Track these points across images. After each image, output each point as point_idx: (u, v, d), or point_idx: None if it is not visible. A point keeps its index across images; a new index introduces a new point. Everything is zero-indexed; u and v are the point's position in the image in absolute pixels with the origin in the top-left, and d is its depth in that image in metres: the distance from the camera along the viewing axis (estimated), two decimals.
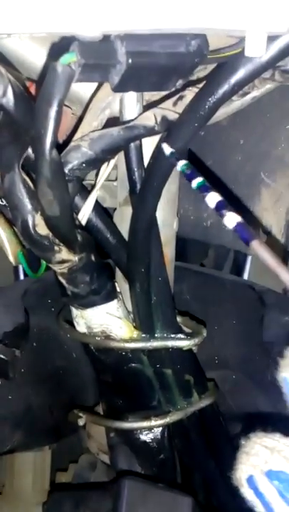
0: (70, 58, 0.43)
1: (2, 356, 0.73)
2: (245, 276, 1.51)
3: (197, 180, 0.50)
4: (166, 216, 0.71)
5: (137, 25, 0.40)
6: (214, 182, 0.85)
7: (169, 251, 0.73)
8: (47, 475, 1.03)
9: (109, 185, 0.75)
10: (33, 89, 0.61)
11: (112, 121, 0.58)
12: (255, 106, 0.68)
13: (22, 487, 1.01)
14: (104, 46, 0.45)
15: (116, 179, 0.72)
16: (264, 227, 0.81)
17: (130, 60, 0.45)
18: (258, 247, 0.42)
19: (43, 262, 0.71)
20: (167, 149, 0.54)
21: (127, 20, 0.40)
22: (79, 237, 0.59)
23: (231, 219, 0.46)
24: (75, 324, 0.71)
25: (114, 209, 0.73)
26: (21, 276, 1.13)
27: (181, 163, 0.52)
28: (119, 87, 0.47)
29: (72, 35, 0.44)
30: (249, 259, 1.52)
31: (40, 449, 1.02)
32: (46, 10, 0.39)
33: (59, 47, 0.53)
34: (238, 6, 0.41)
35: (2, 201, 0.65)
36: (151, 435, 0.77)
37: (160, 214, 0.68)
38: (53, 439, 0.91)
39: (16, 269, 1.08)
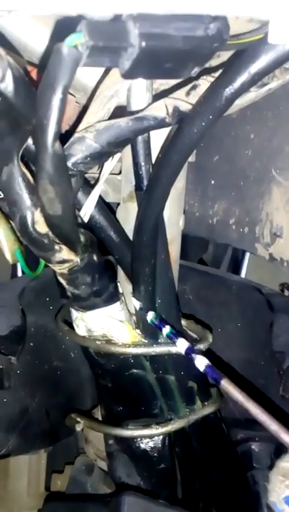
0: (76, 39, 0.39)
1: None
2: (243, 271, 1.50)
3: (166, 330, 0.60)
4: (172, 213, 0.68)
5: (151, 7, 0.36)
6: (221, 179, 0.83)
7: (174, 250, 0.70)
8: (42, 478, 1.00)
9: (112, 179, 0.72)
10: (34, 75, 0.56)
11: (119, 111, 0.53)
12: (267, 98, 0.64)
13: (16, 490, 0.98)
14: (114, 27, 0.40)
15: (120, 173, 0.68)
16: (274, 228, 0.77)
17: (143, 43, 0.40)
18: (228, 385, 0.50)
19: (42, 260, 0.67)
20: (136, 303, 0.63)
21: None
22: (82, 238, 0.56)
23: (201, 361, 0.54)
24: (75, 327, 0.68)
25: (117, 204, 0.70)
26: (19, 274, 1.09)
27: (151, 315, 0.61)
28: (130, 73, 0.42)
29: (80, 14, 0.39)
30: (247, 255, 1.51)
31: (36, 452, 0.98)
32: None
33: (65, 26, 0.48)
34: None
35: None
36: (151, 444, 0.74)
37: (166, 211, 0.64)
38: (49, 442, 0.88)
39: (14, 265, 1.04)
